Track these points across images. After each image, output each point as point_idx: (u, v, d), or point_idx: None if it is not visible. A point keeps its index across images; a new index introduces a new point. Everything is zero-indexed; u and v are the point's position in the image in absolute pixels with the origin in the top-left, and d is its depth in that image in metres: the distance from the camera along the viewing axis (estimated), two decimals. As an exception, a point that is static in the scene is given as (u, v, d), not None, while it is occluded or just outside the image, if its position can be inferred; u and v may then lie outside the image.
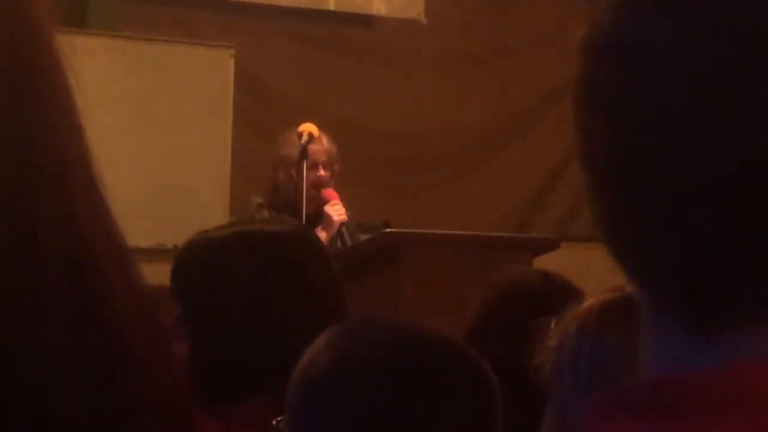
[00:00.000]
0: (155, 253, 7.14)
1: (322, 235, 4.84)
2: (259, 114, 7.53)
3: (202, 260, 2.00)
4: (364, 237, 5.03)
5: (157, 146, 7.23)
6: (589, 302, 1.79)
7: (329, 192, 4.99)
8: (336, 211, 4.94)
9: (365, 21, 8.02)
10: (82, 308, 0.66)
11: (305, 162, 4.87)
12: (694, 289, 0.73)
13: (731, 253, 0.71)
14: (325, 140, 5.04)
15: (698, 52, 0.73)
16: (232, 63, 7.49)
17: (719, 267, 0.72)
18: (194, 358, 1.95)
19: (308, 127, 4.98)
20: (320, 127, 5.04)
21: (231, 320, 1.93)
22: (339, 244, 4.94)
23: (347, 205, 5.01)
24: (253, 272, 1.95)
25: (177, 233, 7.06)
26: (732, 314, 0.72)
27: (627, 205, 0.76)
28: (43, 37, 0.70)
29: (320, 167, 4.98)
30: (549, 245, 4.72)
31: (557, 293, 2.21)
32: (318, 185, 4.95)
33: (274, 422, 1.67)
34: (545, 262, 3.89)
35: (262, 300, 1.93)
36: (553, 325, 1.85)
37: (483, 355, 2.25)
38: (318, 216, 4.94)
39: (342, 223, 4.94)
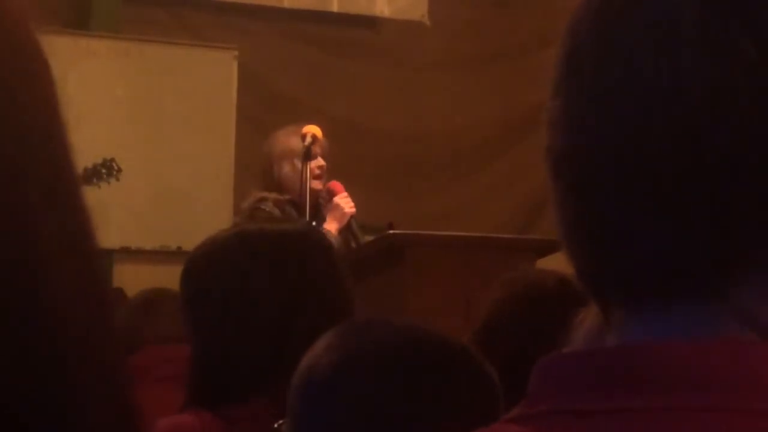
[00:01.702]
0: (159, 255, 7.15)
1: (333, 225, 4.85)
2: (263, 115, 7.52)
3: (202, 261, 2.00)
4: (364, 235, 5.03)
5: (161, 148, 7.24)
6: None
7: (336, 184, 4.99)
8: (346, 203, 4.94)
9: (369, 22, 8.02)
10: (15, 306, 0.65)
11: (308, 163, 4.86)
12: (628, 273, 0.76)
13: (653, 242, 0.74)
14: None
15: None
16: (235, 64, 7.49)
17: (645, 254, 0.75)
18: (196, 358, 1.96)
19: (312, 129, 4.97)
20: (324, 129, 5.03)
21: (230, 321, 1.93)
22: (350, 237, 4.95)
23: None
24: (251, 273, 1.95)
25: (181, 235, 7.08)
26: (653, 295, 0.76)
27: (564, 202, 0.79)
28: (25, 39, 0.69)
29: (319, 157, 4.97)
30: (553, 247, 4.70)
31: (571, 298, 2.18)
32: (319, 175, 4.94)
33: (275, 425, 1.67)
34: (549, 264, 3.88)
35: (260, 300, 1.93)
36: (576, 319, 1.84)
37: (492, 354, 2.25)
38: (317, 209, 4.93)
39: (352, 216, 4.95)
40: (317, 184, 4.91)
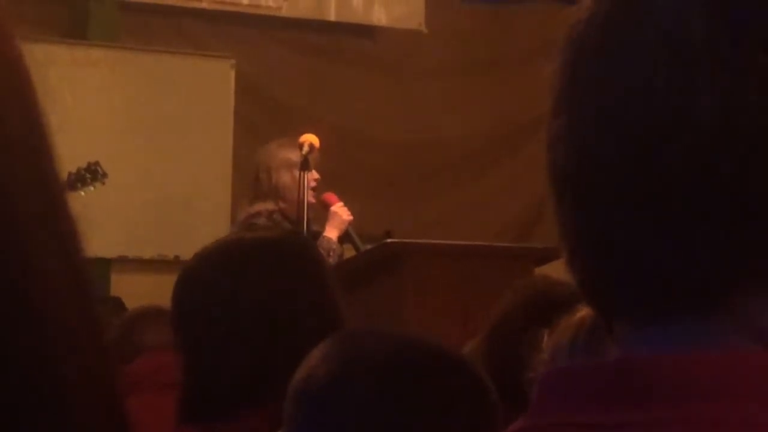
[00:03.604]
0: (156, 264, 7.14)
1: (334, 233, 4.90)
2: (261, 124, 7.53)
3: (190, 275, 1.97)
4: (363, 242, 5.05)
5: (159, 156, 7.23)
6: (581, 313, 1.77)
7: (330, 196, 5.03)
8: (345, 211, 4.98)
9: (366, 31, 8.03)
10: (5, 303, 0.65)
11: (305, 173, 4.88)
12: (631, 288, 0.76)
13: (668, 256, 0.74)
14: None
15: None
16: (233, 73, 7.50)
17: (658, 268, 0.74)
18: (186, 373, 1.93)
19: (309, 138, 4.99)
20: (321, 137, 5.04)
21: (217, 335, 1.89)
22: (349, 244, 4.98)
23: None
24: (237, 284, 1.91)
25: (179, 243, 7.07)
26: (667, 307, 0.75)
27: (561, 209, 0.78)
28: (4, 47, 0.69)
29: (313, 171, 5.01)
30: (550, 255, 4.71)
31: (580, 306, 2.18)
32: (314, 188, 4.98)
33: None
34: (547, 272, 3.89)
35: (247, 312, 1.89)
36: (546, 337, 1.83)
37: (499, 363, 2.24)
38: (307, 223, 4.96)
39: (349, 223, 4.98)
40: (310, 197, 4.94)
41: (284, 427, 1.52)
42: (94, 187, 5.84)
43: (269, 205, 4.93)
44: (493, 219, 7.94)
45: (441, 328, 3.94)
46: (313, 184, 4.94)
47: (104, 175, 5.91)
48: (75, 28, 7.37)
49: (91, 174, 5.85)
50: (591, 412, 0.73)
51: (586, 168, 0.76)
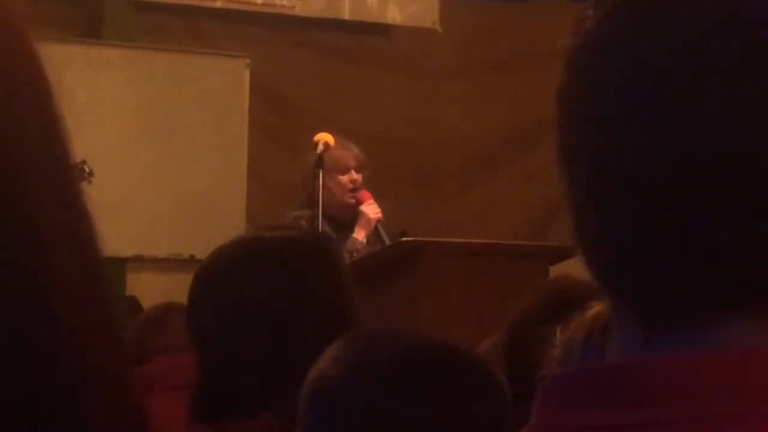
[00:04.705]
0: (172, 263, 7.16)
1: (361, 233, 4.92)
2: (275, 123, 7.54)
3: (204, 273, 1.96)
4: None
5: (174, 156, 7.25)
6: (595, 309, 1.76)
7: (363, 193, 5.06)
8: (372, 209, 4.99)
9: (380, 30, 8.03)
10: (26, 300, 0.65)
11: (321, 171, 4.89)
12: (650, 290, 0.75)
13: (680, 260, 0.73)
14: (352, 146, 5.11)
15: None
16: (247, 73, 7.50)
17: (668, 272, 0.74)
18: (198, 371, 1.92)
19: (324, 137, 5.00)
20: (336, 136, 5.05)
21: (228, 333, 1.88)
22: (378, 242, 4.99)
23: None
24: (249, 282, 1.89)
25: (194, 243, 7.09)
26: (681, 312, 0.74)
27: (584, 210, 0.77)
28: (20, 44, 0.69)
29: (353, 171, 5.03)
30: (566, 253, 4.71)
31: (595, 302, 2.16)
32: (354, 189, 5.01)
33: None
34: (561, 271, 3.88)
35: (259, 311, 1.86)
36: (558, 333, 1.82)
37: (518, 360, 2.24)
38: (355, 222, 4.99)
39: (378, 221, 5.00)
40: (348, 199, 4.97)
41: (297, 428, 1.52)
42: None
43: (308, 213, 4.94)
44: (508, 218, 7.93)
45: (455, 326, 3.94)
46: (350, 186, 4.97)
47: (91, 173, 5.88)
48: (89, 28, 7.39)
49: (78, 173, 5.82)
50: (597, 414, 0.73)
51: (607, 175, 0.75)
